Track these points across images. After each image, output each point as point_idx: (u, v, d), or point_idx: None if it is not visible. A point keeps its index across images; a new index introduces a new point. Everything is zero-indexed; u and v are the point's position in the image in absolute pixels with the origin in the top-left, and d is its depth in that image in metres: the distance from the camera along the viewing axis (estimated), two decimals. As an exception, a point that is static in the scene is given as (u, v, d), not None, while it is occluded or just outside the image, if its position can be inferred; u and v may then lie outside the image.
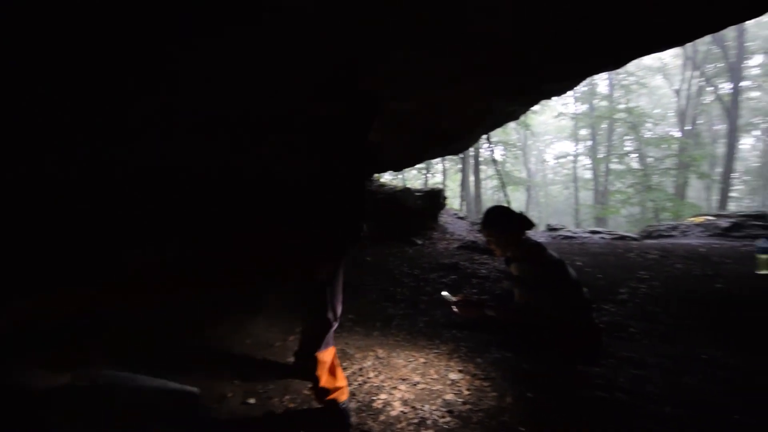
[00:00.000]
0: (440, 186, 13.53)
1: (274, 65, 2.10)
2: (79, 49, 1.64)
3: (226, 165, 2.96)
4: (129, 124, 2.23)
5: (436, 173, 19.02)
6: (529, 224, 2.18)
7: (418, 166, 15.27)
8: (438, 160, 16.32)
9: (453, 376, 2.26)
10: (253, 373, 2.38)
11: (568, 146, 26.62)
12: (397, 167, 6.83)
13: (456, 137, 5.18)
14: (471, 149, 14.63)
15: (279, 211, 1.93)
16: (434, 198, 8.12)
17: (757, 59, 20.83)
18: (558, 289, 2.04)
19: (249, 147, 2.81)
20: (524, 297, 2.12)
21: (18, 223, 2.43)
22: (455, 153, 9.17)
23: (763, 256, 4.46)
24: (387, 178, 13.88)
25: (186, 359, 2.52)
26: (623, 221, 19.89)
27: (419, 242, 6.86)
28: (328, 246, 1.94)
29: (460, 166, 17.64)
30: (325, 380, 1.87)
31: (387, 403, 2.01)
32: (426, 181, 18.12)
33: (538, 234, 9.16)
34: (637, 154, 19.72)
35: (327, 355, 1.92)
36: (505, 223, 2.20)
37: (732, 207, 18.23)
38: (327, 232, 1.89)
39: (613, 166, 20.21)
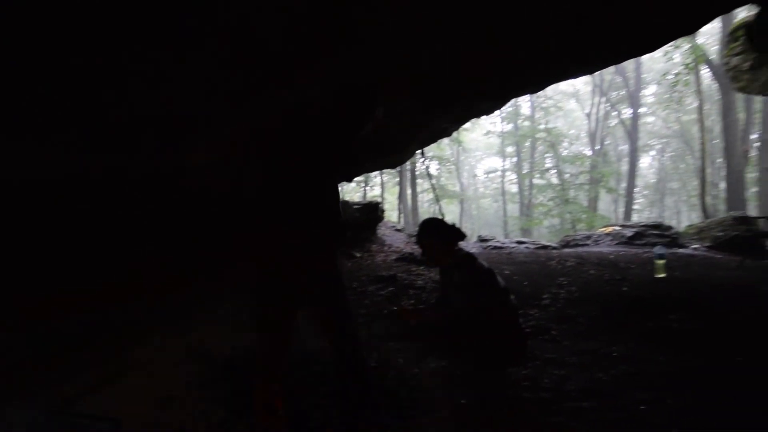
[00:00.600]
0: (378, 199, 13.70)
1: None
2: (79, 51, 1.50)
3: (222, 165, 2.78)
4: (128, 125, 2.02)
5: (375, 186, 19.23)
6: (461, 235, 2.29)
7: (356, 178, 15.34)
8: (376, 173, 16.53)
9: (391, 387, 2.27)
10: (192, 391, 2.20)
11: (497, 162, 28.36)
12: (336, 179, 6.84)
13: (393, 150, 5.31)
14: (408, 163, 15.03)
15: (275, 210, 1.83)
16: (372, 210, 8.18)
17: (652, 89, 23.97)
18: (488, 296, 2.15)
19: (243, 147, 2.66)
20: (457, 304, 2.20)
21: (19, 224, 2.09)
22: (393, 166, 9.36)
23: (660, 261, 5.07)
24: (325, 190, 13.72)
25: (112, 377, 2.28)
26: (545, 232, 21.53)
27: (358, 255, 6.85)
28: (325, 245, 1.88)
29: (397, 179, 18.02)
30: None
31: (324, 421, 1.96)
32: (365, 193, 18.24)
33: (470, 245, 9.58)
34: (555, 170, 21.58)
35: None
36: (439, 235, 2.28)
37: (635, 218, 20.60)
38: (324, 231, 1.83)
39: (536, 181, 21.92)
